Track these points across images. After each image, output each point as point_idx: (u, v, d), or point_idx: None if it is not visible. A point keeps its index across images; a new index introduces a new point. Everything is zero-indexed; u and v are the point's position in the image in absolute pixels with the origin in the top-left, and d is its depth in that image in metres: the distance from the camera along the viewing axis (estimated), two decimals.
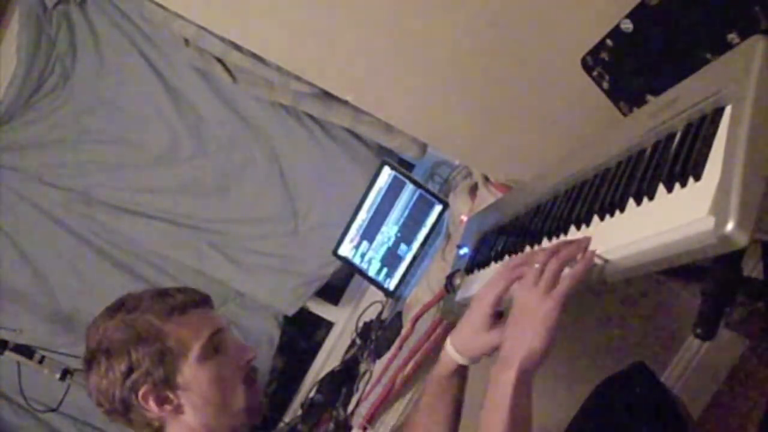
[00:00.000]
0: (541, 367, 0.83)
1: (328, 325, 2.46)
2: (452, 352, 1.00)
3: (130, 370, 0.99)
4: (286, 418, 2.23)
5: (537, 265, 0.85)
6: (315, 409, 1.90)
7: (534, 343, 0.81)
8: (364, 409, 1.67)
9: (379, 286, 2.05)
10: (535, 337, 0.81)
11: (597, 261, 0.81)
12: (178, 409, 1.01)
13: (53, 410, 1.87)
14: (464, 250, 1.32)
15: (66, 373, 1.76)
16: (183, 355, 1.00)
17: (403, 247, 2.02)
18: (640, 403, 1.32)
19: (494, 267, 1.14)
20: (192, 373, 1.00)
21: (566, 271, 0.84)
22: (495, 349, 0.95)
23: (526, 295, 0.84)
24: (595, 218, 0.87)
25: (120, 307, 1.04)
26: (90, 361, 1.03)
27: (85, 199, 2.20)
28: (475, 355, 0.99)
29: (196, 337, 1.01)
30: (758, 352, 1.86)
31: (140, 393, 0.99)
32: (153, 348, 0.99)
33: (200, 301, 1.07)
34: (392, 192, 2.01)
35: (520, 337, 0.82)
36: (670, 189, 0.73)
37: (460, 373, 1.03)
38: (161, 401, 1.01)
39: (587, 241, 0.84)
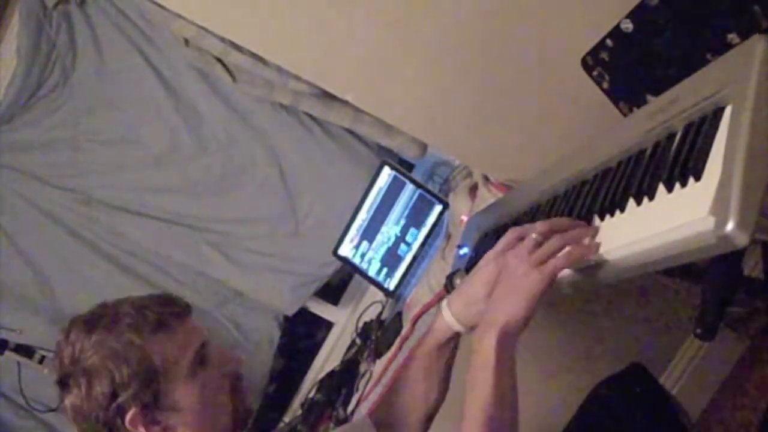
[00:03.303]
0: (523, 333, 0.84)
1: (328, 325, 2.46)
2: (450, 320, 0.99)
3: (115, 394, 0.92)
4: (286, 418, 2.23)
5: (534, 235, 0.86)
6: (315, 409, 1.90)
7: (514, 311, 0.82)
8: (364, 409, 1.67)
9: (379, 286, 2.05)
10: (517, 306, 0.82)
11: (593, 258, 0.81)
12: (167, 430, 0.96)
13: (53, 410, 1.87)
14: (464, 250, 1.32)
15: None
16: (170, 374, 0.94)
17: (403, 247, 2.02)
18: (639, 403, 1.33)
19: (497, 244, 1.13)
20: (181, 392, 0.95)
21: (565, 249, 0.84)
22: None
23: (516, 262, 0.85)
24: (595, 218, 0.87)
25: (96, 322, 0.96)
26: (65, 380, 0.95)
27: (85, 199, 2.20)
28: (472, 324, 0.97)
29: (183, 353, 0.96)
30: (758, 352, 1.86)
31: (127, 417, 0.93)
32: (139, 368, 0.92)
33: (181, 312, 1.01)
34: (392, 192, 2.01)
35: (503, 303, 0.84)
36: (670, 189, 0.73)
37: (454, 341, 1.02)
38: (150, 424, 0.94)
39: (596, 229, 0.85)
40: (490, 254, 0.97)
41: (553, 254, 0.83)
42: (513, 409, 0.82)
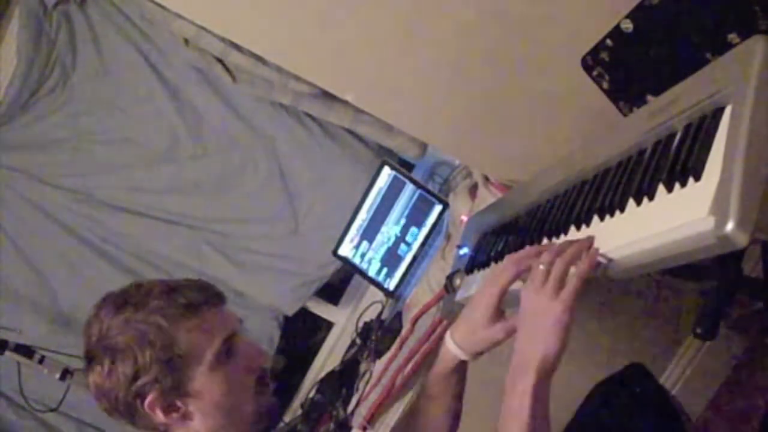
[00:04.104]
0: (556, 371, 0.82)
1: (328, 325, 2.46)
2: (453, 348, 0.98)
3: (136, 376, 0.91)
4: (286, 418, 2.23)
5: (542, 267, 0.84)
6: (315, 409, 1.90)
7: (548, 348, 0.80)
8: (364, 409, 1.67)
9: (379, 286, 2.05)
10: (549, 342, 0.80)
11: (600, 259, 0.81)
12: (186, 416, 0.95)
13: (53, 410, 1.87)
14: (464, 250, 1.33)
15: (66, 373, 1.76)
16: (194, 363, 0.93)
17: (403, 247, 2.02)
18: (638, 403, 1.33)
19: (494, 267, 1.14)
20: (203, 381, 0.94)
21: (572, 270, 0.83)
22: (497, 345, 0.95)
23: (534, 299, 0.83)
24: (595, 218, 0.87)
25: (126, 301, 0.95)
26: (91, 358, 0.95)
27: (85, 199, 2.20)
28: (477, 351, 0.97)
29: (209, 342, 0.94)
30: (758, 352, 1.86)
31: (147, 400, 0.93)
32: (162, 354, 0.91)
33: (213, 299, 0.99)
34: (392, 192, 2.01)
35: (534, 343, 0.82)
36: (670, 189, 0.73)
37: (461, 369, 1.01)
38: (169, 409, 0.94)
39: (591, 240, 0.84)
40: (487, 278, 0.96)
41: (563, 277, 0.82)
42: None
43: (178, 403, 0.94)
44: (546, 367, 0.81)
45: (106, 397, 0.95)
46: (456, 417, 1.05)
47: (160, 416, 0.94)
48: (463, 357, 0.98)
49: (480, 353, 0.98)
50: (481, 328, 0.95)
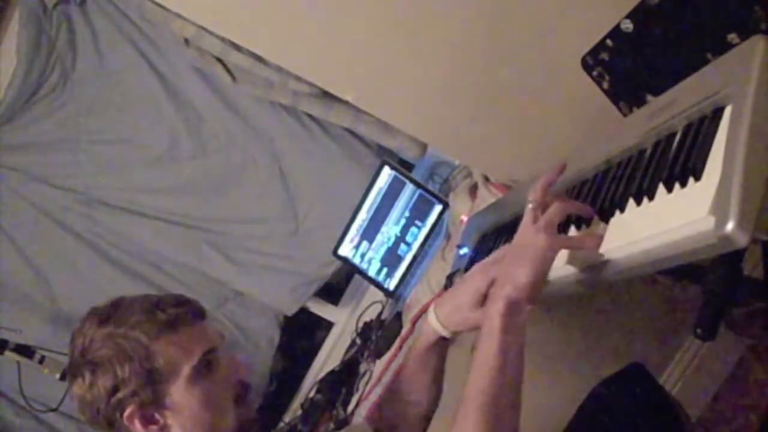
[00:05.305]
0: (531, 302, 0.83)
1: (328, 325, 2.46)
2: (434, 323, 1.00)
3: (116, 389, 0.94)
4: (286, 418, 2.23)
5: (531, 206, 0.87)
6: (315, 409, 1.90)
7: (520, 277, 0.82)
8: (364, 409, 1.67)
9: (379, 286, 2.05)
10: (522, 270, 0.82)
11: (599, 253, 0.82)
12: (164, 429, 0.97)
13: (53, 410, 1.87)
14: (464, 250, 1.33)
15: (66, 373, 1.76)
16: (172, 377, 0.95)
17: (403, 247, 2.02)
18: (638, 403, 1.32)
19: (493, 253, 1.14)
20: (181, 395, 0.96)
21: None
22: (477, 328, 0.94)
23: (522, 232, 0.86)
24: (595, 218, 0.87)
25: (109, 316, 0.97)
26: (74, 370, 0.98)
27: (85, 199, 2.20)
28: (457, 329, 0.99)
29: (188, 357, 0.96)
30: (758, 352, 1.86)
31: (126, 413, 0.95)
32: (141, 368, 0.94)
33: (193, 315, 1.01)
34: (392, 192, 2.01)
35: (509, 270, 0.84)
36: (670, 189, 0.73)
37: (441, 345, 1.03)
38: (147, 422, 0.96)
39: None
40: (481, 264, 0.97)
41: (559, 216, 0.84)
42: (515, 391, 0.81)
43: (157, 416, 0.96)
44: (516, 294, 0.82)
45: (88, 408, 0.97)
46: (437, 392, 1.06)
47: (139, 429, 0.96)
48: (443, 332, 1.00)
49: (459, 333, 1.00)
50: (464, 309, 0.97)
